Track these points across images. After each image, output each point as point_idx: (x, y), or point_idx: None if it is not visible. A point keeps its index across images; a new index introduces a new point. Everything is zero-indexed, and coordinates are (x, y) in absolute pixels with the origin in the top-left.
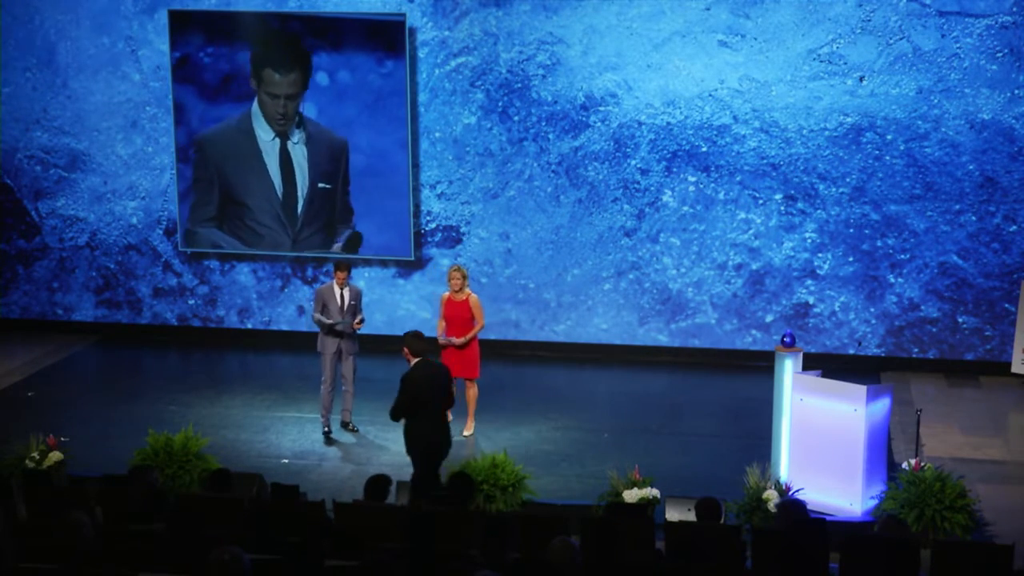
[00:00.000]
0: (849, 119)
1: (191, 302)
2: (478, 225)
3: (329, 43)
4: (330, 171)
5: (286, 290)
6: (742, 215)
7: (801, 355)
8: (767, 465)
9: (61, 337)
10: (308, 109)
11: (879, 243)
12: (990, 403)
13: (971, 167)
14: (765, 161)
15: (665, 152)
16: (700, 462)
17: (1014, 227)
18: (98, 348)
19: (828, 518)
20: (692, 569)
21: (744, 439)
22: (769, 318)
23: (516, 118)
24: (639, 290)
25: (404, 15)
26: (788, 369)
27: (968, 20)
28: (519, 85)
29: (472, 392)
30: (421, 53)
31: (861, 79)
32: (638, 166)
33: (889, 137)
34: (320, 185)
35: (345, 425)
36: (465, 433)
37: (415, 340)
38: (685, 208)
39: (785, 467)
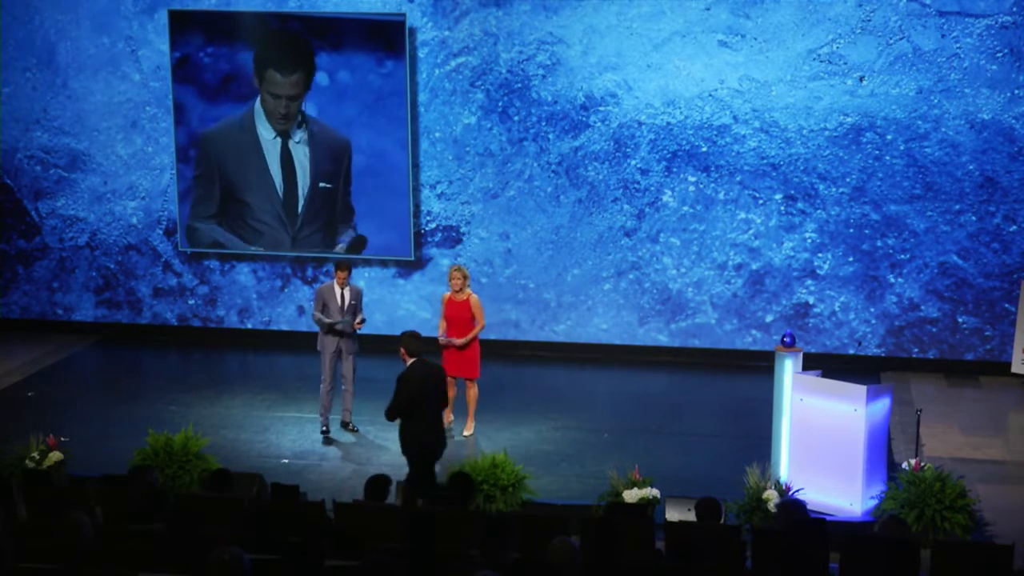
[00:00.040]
0: (849, 119)
1: (191, 302)
2: (478, 225)
3: (329, 43)
4: (332, 171)
5: (286, 290)
6: (742, 215)
7: (801, 355)
8: (767, 465)
9: (61, 337)
10: (308, 109)
11: (879, 243)
12: (990, 403)
13: (971, 167)
14: (765, 161)
15: (665, 152)
16: (700, 462)
17: (1014, 227)
18: (98, 348)
19: (828, 518)
20: (692, 569)
21: (744, 439)
22: (769, 318)
23: (516, 118)
24: (639, 290)
25: (404, 15)
26: (788, 369)
27: (968, 20)
28: (519, 85)
29: (472, 392)
30: (421, 53)
31: (861, 79)
32: (638, 166)
33: (889, 137)
34: (321, 184)
35: (345, 425)
36: (465, 433)
37: (412, 340)
38: (685, 208)
39: (785, 467)
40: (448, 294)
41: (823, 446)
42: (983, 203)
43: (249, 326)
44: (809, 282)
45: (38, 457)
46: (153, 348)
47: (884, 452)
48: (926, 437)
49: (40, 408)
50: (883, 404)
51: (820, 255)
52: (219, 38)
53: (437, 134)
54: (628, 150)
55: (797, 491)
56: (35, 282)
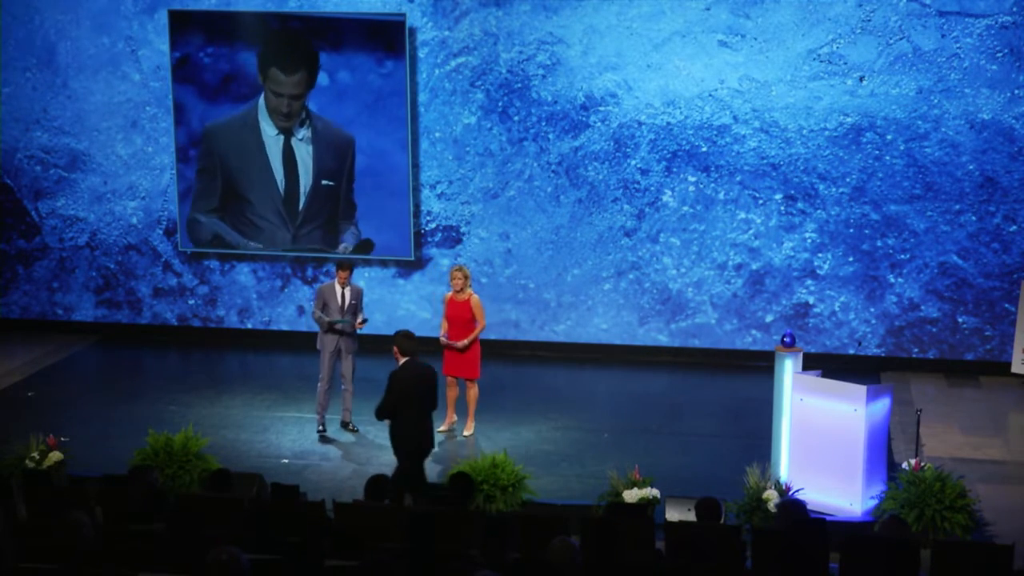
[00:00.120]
0: (849, 119)
1: (191, 302)
2: (478, 225)
3: (329, 43)
4: (334, 168)
5: (286, 290)
6: (742, 215)
7: (801, 355)
8: (767, 465)
9: (61, 337)
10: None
11: (879, 243)
12: (990, 403)
13: (971, 167)
14: (765, 161)
15: (665, 152)
16: (700, 462)
17: (1014, 227)
18: (98, 348)
19: (828, 518)
20: (692, 569)
21: (744, 439)
22: (769, 318)
23: (516, 118)
24: (639, 290)
25: (404, 15)
26: (788, 369)
27: (968, 20)
28: (519, 85)
29: (472, 392)
30: (421, 53)
31: (861, 79)
32: (638, 166)
33: (889, 137)
34: (324, 182)
35: (345, 425)
36: (465, 433)
37: (405, 340)
38: (685, 208)
39: (785, 467)
40: (449, 294)
41: (823, 446)
42: (983, 203)
43: (249, 326)
44: (809, 282)
45: (38, 457)
46: (153, 348)
47: (884, 452)
48: (926, 437)
49: (40, 408)
50: (883, 404)
51: (820, 255)
52: (219, 38)
53: (437, 134)
54: (628, 150)
55: (797, 491)
56: (35, 282)
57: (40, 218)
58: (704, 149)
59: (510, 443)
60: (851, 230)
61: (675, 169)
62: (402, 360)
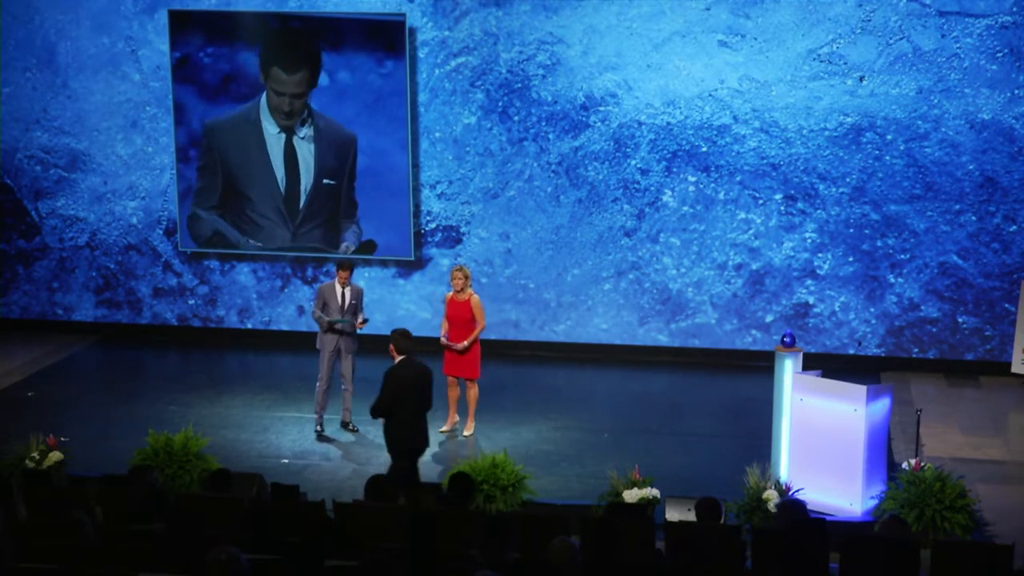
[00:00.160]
0: (849, 119)
1: (191, 302)
2: (478, 225)
3: (329, 43)
4: (336, 167)
5: (286, 290)
6: (742, 215)
7: (801, 355)
8: (767, 465)
9: (61, 337)
10: None
11: (879, 243)
12: (990, 403)
13: (971, 167)
14: (765, 161)
15: (665, 152)
16: (700, 462)
17: (1014, 227)
18: (98, 348)
19: (828, 518)
20: (692, 569)
21: (744, 439)
22: (769, 318)
23: (516, 118)
24: (639, 290)
25: (404, 15)
26: (788, 369)
27: (968, 20)
28: (519, 85)
29: (473, 392)
30: (421, 53)
31: (861, 79)
32: (638, 166)
33: (889, 137)
34: (325, 181)
35: (345, 425)
36: (465, 433)
37: (401, 338)
38: (685, 208)
39: (785, 467)
40: (450, 294)
41: (823, 446)
42: (983, 203)
43: (249, 326)
44: (809, 282)
45: (38, 457)
46: (153, 348)
47: (884, 452)
48: (926, 437)
49: (40, 408)
50: (883, 404)
51: (820, 255)
52: (219, 38)
53: (437, 134)
54: (628, 150)
55: (797, 491)
56: (35, 282)
57: (40, 218)
58: (704, 149)
59: (510, 443)
60: (851, 230)
61: (675, 169)
62: (398, 358)
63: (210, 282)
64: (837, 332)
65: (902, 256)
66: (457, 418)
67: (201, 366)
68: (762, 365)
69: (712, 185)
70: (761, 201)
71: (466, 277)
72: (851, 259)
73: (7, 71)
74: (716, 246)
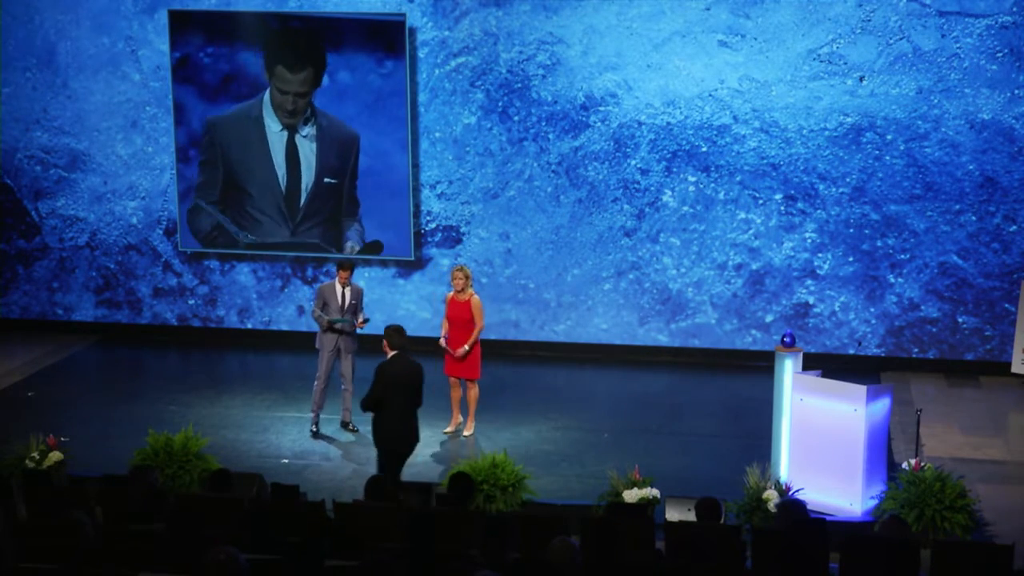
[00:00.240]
0: (849, 119)
1: (191, 302)
2: (478, 225)
3: (329, 43)
4: (338, 166)
5: (286, 290)
6: (742, 215)
7: (801, 355)
8: (767, 465)
9: (61, 337)
10: None
11: (879, 243)
12: (990, 403)
13: (971, 167)
14: (765, 161)
15: (665, 152)
16: (700, 462)
17: (1014, 227)
18: (98, 348)
19: (828, 518)
20: (692, 569)
21: (744, 439)
22: (769, 318)
23: (516, 118)
24: (639, 290)
25: (404, 15)
26: (788, 369)
27: (968, 20)
28: (519, 85)
29: (473, 392)
30: (421, 53)
31: (861, 79)
32: (638, 166)
33: (889, 137)
34: (326, 180)
35: (345, 425)
36: (465, 433)
37: (394, 334)
38: (685, 208)
39: (785, 467)
40: (451, 294)
41: (823, 446)
42: (983, 203)
43: (249, 326)
44: (809, 282)
45: (38, 457)
46: (153, 348)
47: (884, 452)
48: (926, 437)
49: (40, 408)
50: (883, 404)
51: (820, 255)
52: (219, 38)
53: (437, 134)
54: (628, 150)
55: (797, 491)
56: (35, 282)
57: (40, 218)
58: (704, 149)
59: (510, 443)
60: (851, 230)
61: (675, 169)
62: (391, 354)
63: (210, 282)
64: (837, 332)
65: (902, 256)
66: (461, 418)
67: (201, 366)
68: (762, 365)
69: (712, 185)
70: (761, 201)
71: (467, 277)
72: (851, 259)
73: (7, 71)
74: (716, 246)
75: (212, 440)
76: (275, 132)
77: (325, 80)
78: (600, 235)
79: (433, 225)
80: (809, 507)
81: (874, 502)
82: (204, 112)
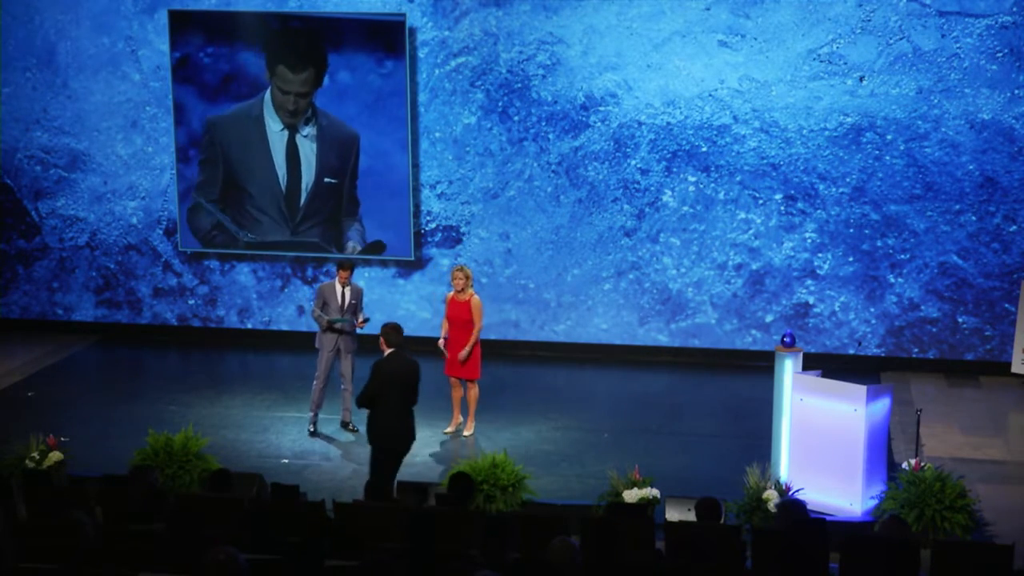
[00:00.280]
0: (849, 119)
1: (191, 302)
2: (478, 225)
3: (329, 43)
4: (338, 166)
5: (286, 290)
6: (742, 215)
7: (801, 355)
8: (767, 465)
9: (61, 337)
10: None
11: (879, 243)
12: (990, 403)
13: (971, 167)
14: (765, 161)
15: (665, 152)
16: (700, 462)
17: (1014, 227)
18: (98, 348)
19: (828, 518)
20: (692, 569)
21: (744, 439)
22: (769, 318)
23: (516, 118)
24: (639, 290)
25: (404, 15)
26: (788, 369)
27: (968, 20)
28: (519, 85)
29: (473, 393)
30: (421, 53)
31: (861, 79)
32: (638, 166)
33: (889, 137)
34: (326, 180)
35: (345, 425)
36: (465, 433)
37: (391, 332)
38: (685, 208)
39: (785, 467)
40: (451, 294)
41: (823, 446)
42: (983, 203)
43: (249, 326)
44: (809, 282)
45: (38, 457)
46: (153, 348)
47: (884, 452)
48: (926, 437)
49: (40, 408)
50: (883, 404)
51: (820, 255)
52: (219, 38)
53: (437, 134)
54: (628, 150)
55: (797, 491)
56: (35, 282)
57: (40, 218)
58: (704, 149)
59: (510, 443)
60: (851, 230)
61: (675, 169)
62: (387, 351)
63: (210, 282)
64: (837, 332)
65: (902, 256)
66: (461, 419)
67: (201, 366)
68: (762, 365)
69: (712, 185)
70: (761, 201)
71: (467, 277)
72: (851, 259)
73: (7, 71)
74: (716, 246)
75: (212, 440)
76: (275, 132)
77: (325, 80)
78: (600, 235)
79: (433, 225)
80: (809, 507)
81: (874, 502)
82: (204, 112)
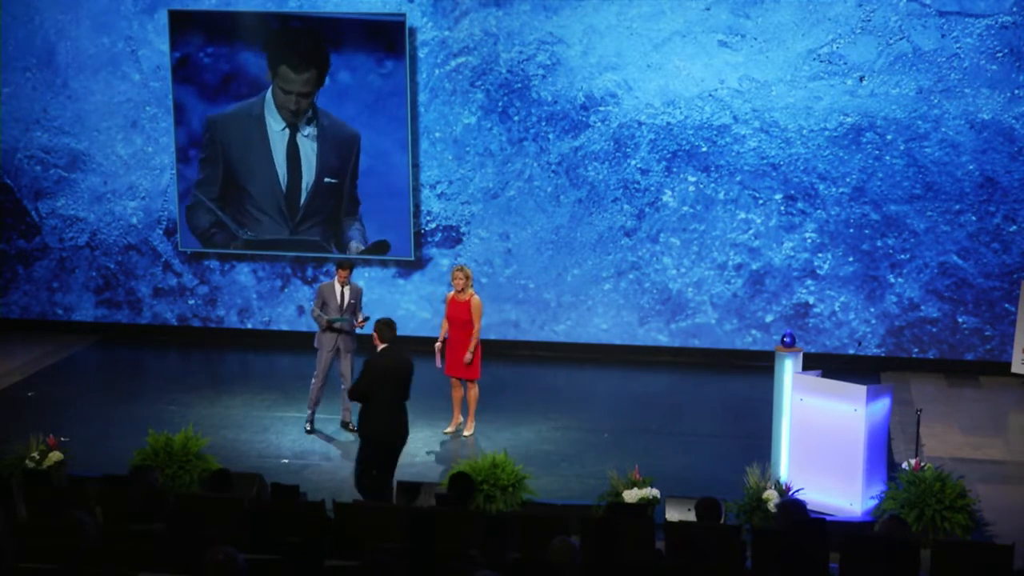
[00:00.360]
0: (849, 119)
1: (191, 302)
2: (478, 225)
3: (329, 43)
4: (338, 166)
5: (286, 290)
6: (742, 215)
7: (801, 355)
8: (767, 465)
9: (61, 337)
10: None
11: (879, 243)
12: (990, 403)
13: (971, 167)
14: (765, 161)
15: (665, 152)
16: (700, 462)
17: (1014, 227)
18: (98, 348)
19: (828, 518)
20: (692, 569)
21: (744, 439)
22: (769, 318)
23: (516, 118)
24: (639, 290)
25: (404, 15)
26: (788, 369)
27: (968, 20)
28: (519, 85)
29: (473, 392)
30: (421, 53)
31: (861, 79)
32: (638, 166)
33: (889, 137)
34: (326, 179)
35: (345, 425)
36: (465, 433)
37: (384, 328)
38: (685, 208)
39: (785, 467)
40: (451, 294)
41: (823, 446)
42: (983, 203)
43: (249, 326)
44: (809, 282)
45: (38, 457)
46: (153, 348)
47: (884, 452)
48: (926, 437)
49: (40, 408)
50: (883, 404)
51: (820, 255)
52: (219, 38)
53: (437, 134)
54: (628, 150)
55: (797, 491)
56: (35, 282)
57: (40, 218)
58: (704, 149)
59: (510, 443)
60: (851, 230)
61: (675, 169)
62: (380, 347)
63: (210, 282)
64: (837, 332)
65: (902, 256)
66: (461, 419)
67: (201, 366)
68: (762, 365)
69: (712, 185)
70: (761, 201)
71: (467, 277)
72: (851, 259)
73: (7, 71)
74: (716, 246)
75: (212, 440)
76: (276, 131)
77: (326, 80)
78: (600, 235)
79: (433, 225)
80: (809, 507)
81: (874, 502)
82: (204, 112)
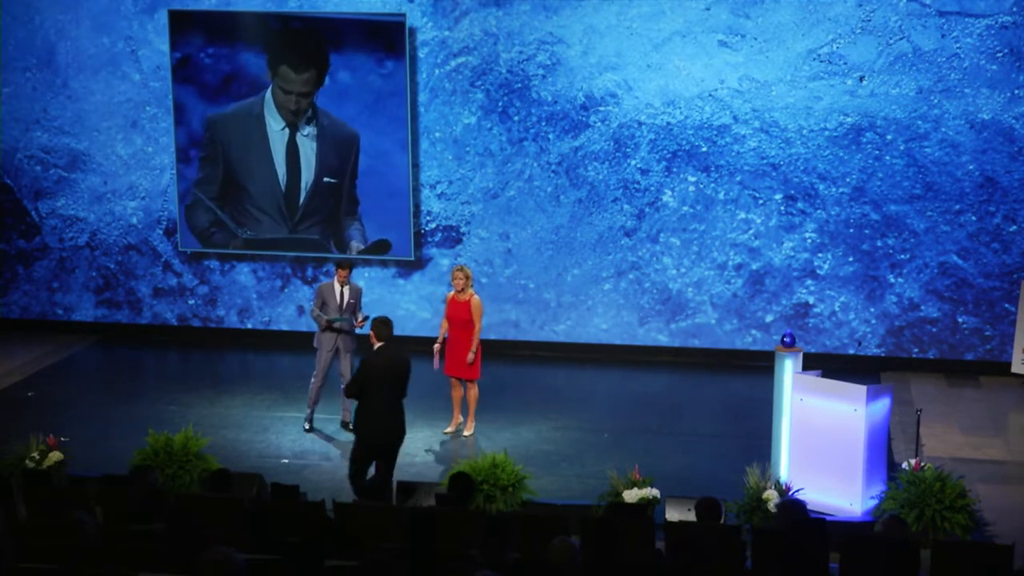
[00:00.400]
0: (849, 119)
1: (191, 302)
2: (478, 225)
3: (329, 43)
4: (338, 166)
5: (286, 290)
6: (742, 215)
7: (801, 355)
8: (767, 465)
9: (61, 337)
10: None
11: (879, 243)
12: (990, 403)
13: (971, 167)
14: (765, 161)
15: (665, 152)
16: (700, 462)
17: (1014, 227)
18: (98, 348)
19: (828, 518)
20: (692, 569)
21: (744, 439)
22: (769, 318)
23: (516, 118)
24: (639, 290)
25: (404, 15)
26: (788, 369)
27: (968, 20)
28: (519, 85)
29: (473, 393)
30: (421, 53)
31: (861, 79)
32: (638, 166)
33: (889, 137)
34: (326, 179)
35: (345, 425)
36: (465, 433)
37: (381, 326)
38: (685, 208)
39: (785, 467)
40: (451, 294)
41: (823, 446)
42: (983, 203)
43: (249, 326)
44: (809, 282)
45: (38, 457)
46: (153, 348)
47: (884, 452)
48: (926, 437)
49: (40, 408)
50: (883, 404)
51: (820, 255)
52: (219, 38)
53: (437, 134)
54: (628, 150)
55: (797, 491)
56: (35, 282)
57: (40, 218)
58: (704, 149)
59: (510, 443)
60: (851, 230)
61: (675, 169)
62: (377, 345)
63: (210, 282)
64: (837, 332)
65: (902, 256)
66: (461, 419)
67: (201, 366)
68: (762, 365)
69: (712, 185)
70: (761, 201)
71: (467, 277)
72: (851, 259)
73: (7, 71)
74: (716, 246)
75: (212, 440)
76: (276, 131)
77: (326, 80)
78: (600, 235)
79: (433, 225)
80: (809, 507)
81: (874, 502)
82: (204, 112)
